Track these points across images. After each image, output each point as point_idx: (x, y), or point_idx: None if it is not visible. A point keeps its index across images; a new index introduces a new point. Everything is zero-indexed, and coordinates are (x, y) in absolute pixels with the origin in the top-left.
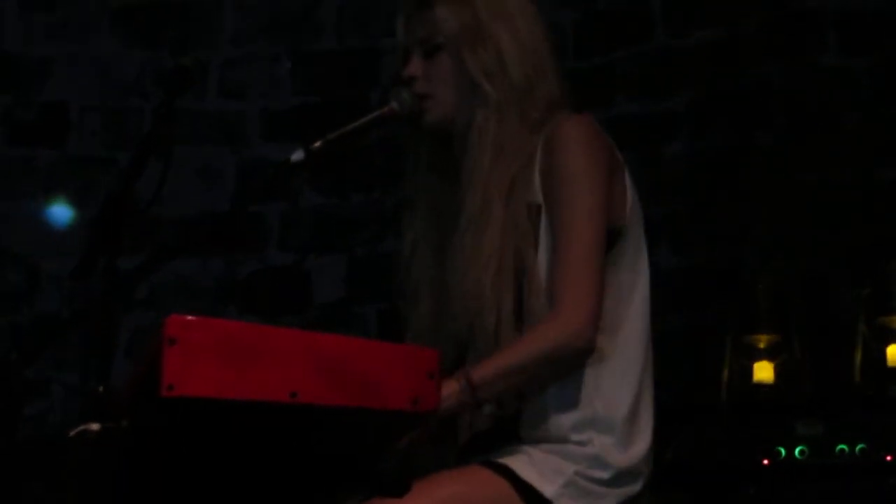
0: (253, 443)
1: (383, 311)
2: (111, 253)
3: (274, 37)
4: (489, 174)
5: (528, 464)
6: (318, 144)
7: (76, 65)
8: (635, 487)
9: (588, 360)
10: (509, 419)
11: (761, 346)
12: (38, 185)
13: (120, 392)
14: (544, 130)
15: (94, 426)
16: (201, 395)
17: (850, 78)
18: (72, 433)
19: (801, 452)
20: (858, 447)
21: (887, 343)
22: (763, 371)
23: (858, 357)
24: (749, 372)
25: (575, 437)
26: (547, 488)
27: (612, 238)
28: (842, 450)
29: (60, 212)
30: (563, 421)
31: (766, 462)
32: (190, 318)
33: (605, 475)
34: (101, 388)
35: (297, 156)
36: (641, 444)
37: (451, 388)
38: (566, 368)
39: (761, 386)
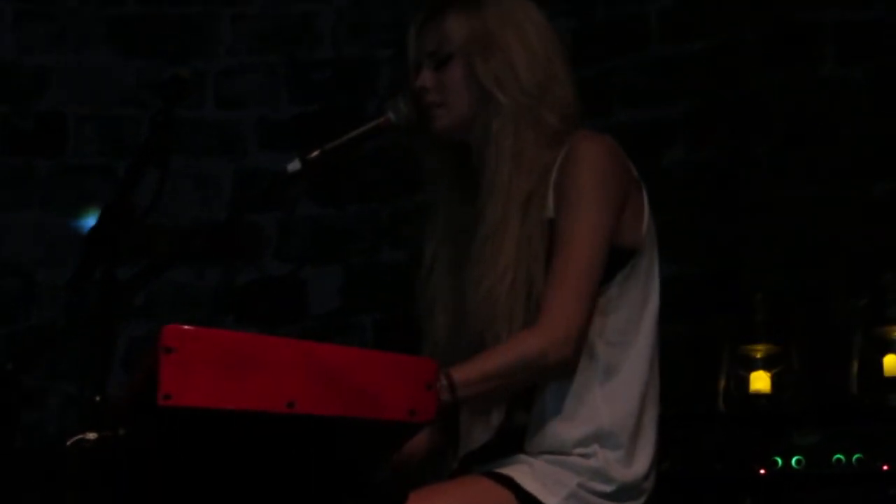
0: (250, 452)
1: (380, 320)
2: (108, 262)
3: (271, 46)
4: (508, 186)
5: (530, 475)
6: (314, 154)
7: (73, 74)
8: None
9: (599, 375)
10: (515, 431)
11: (758, 356)
12: (36, 194)
13: (117, 401)
14: (563, 147)
15: (91, 435)
16: (198, 404)
17: (848, 88)
18: (69, 442)
19: (798, 462)
20: (855, 457)
21: (884, 353)
22: (760, 381)
23: (855, 367)
24: (746, 382)
25: (579, 450)
26: (550, 500)
27: (626, 257)
28: (838, 459)
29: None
30: (571, 434)
31: (762, 472)
32: (187, 327)
33: (607, 489)
34: (98, 398)
35: (294, 166)
36: (644, 461)
37: None
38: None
39: (758, 396)
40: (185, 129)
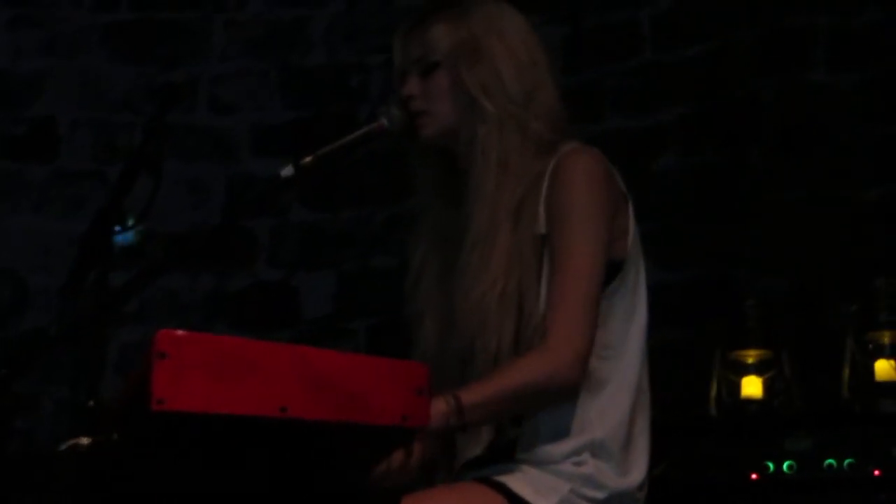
0: (243, 457)
1: (372, 326)
2: (101, 268)
3: (264, 52)
4: (496, 194)
5: (523, 480)
6: (307, 160)
7: (66, 80)
8: None
9: (589, 388)
10: (506, 445)
11: (750, 361)
12: (29, 199)
13: (110, 406)
14: (553, 157)
15: (85, 440)
16: (191, 409)
17: (840, 94)
18: (62, 447)
19: (790, 467)
20: (846, 462)
21: (875, 358)
22: (751, 386)
23: (847, 372)
24: (738, 387)
25: (572, 459)
26: None
27: (613, 270)
28: (830, 464)
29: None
30: (562, 448)
31: (754, 477)
32: (180, 332)
33: (599, 495)
34: (91, 403)
35: (287, 171)
36: (636, 472)
37: (439, 408)
38: (550, 401)
39: (750, 401)
40: (178, 135)
